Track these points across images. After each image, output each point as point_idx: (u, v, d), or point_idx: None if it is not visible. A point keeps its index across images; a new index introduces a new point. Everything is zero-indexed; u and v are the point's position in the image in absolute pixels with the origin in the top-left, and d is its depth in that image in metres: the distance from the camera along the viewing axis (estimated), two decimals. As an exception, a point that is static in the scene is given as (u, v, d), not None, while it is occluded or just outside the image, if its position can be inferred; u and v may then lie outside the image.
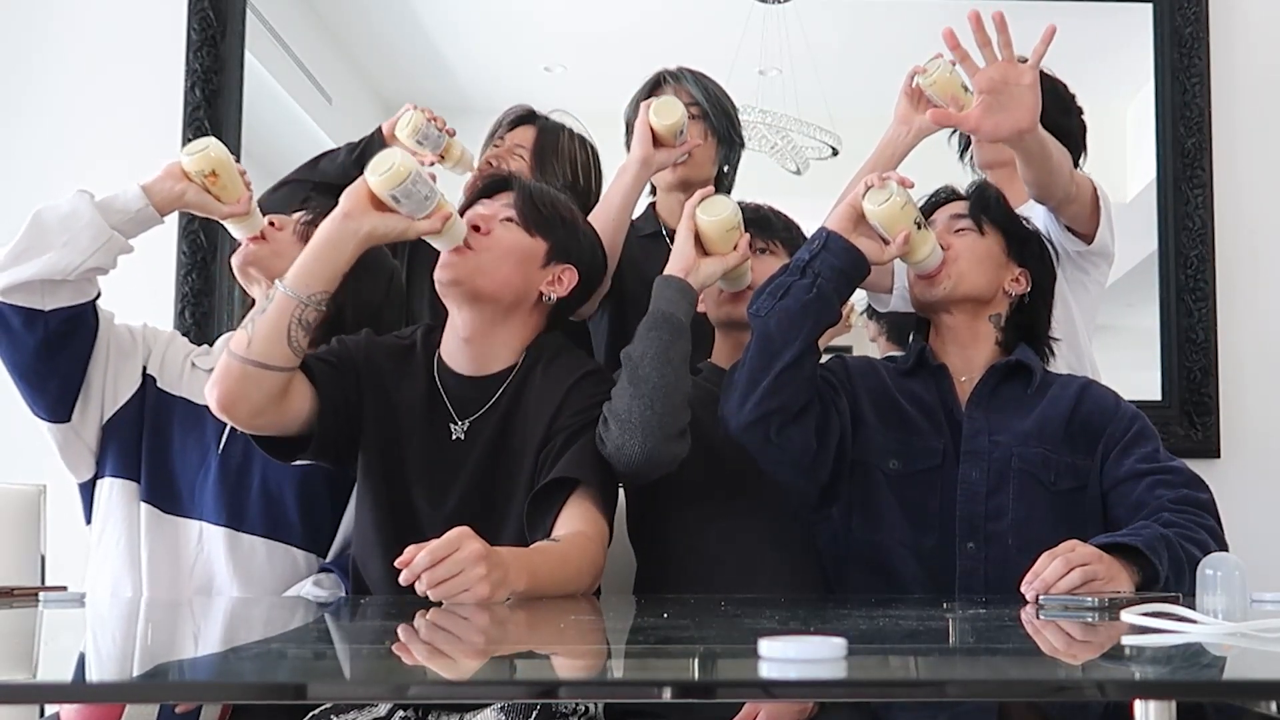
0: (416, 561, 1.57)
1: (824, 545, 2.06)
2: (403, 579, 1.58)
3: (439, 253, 1.95)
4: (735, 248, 2.02)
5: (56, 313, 2.01)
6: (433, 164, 2.44)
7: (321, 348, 2.01)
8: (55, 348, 2.03)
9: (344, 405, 1.95)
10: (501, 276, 1.95)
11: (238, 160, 2.16)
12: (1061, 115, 2.41)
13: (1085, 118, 2.49)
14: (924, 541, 1.96)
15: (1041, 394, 2.03)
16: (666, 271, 2.00)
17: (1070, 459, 1.97)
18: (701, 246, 2.01)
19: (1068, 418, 2.00)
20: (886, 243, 1.95)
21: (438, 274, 1.94)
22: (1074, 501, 1.96)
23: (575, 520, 1.85)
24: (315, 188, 2.42)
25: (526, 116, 2.54)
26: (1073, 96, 2.47)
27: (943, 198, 2.14)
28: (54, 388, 2.06)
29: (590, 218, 2.22)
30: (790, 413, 1.91)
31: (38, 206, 2.00)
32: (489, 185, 2.05)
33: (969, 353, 2.06)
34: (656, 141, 2.23)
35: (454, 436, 1.96)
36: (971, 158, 2.51)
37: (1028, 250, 2.10)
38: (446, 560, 1.57)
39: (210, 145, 2.09)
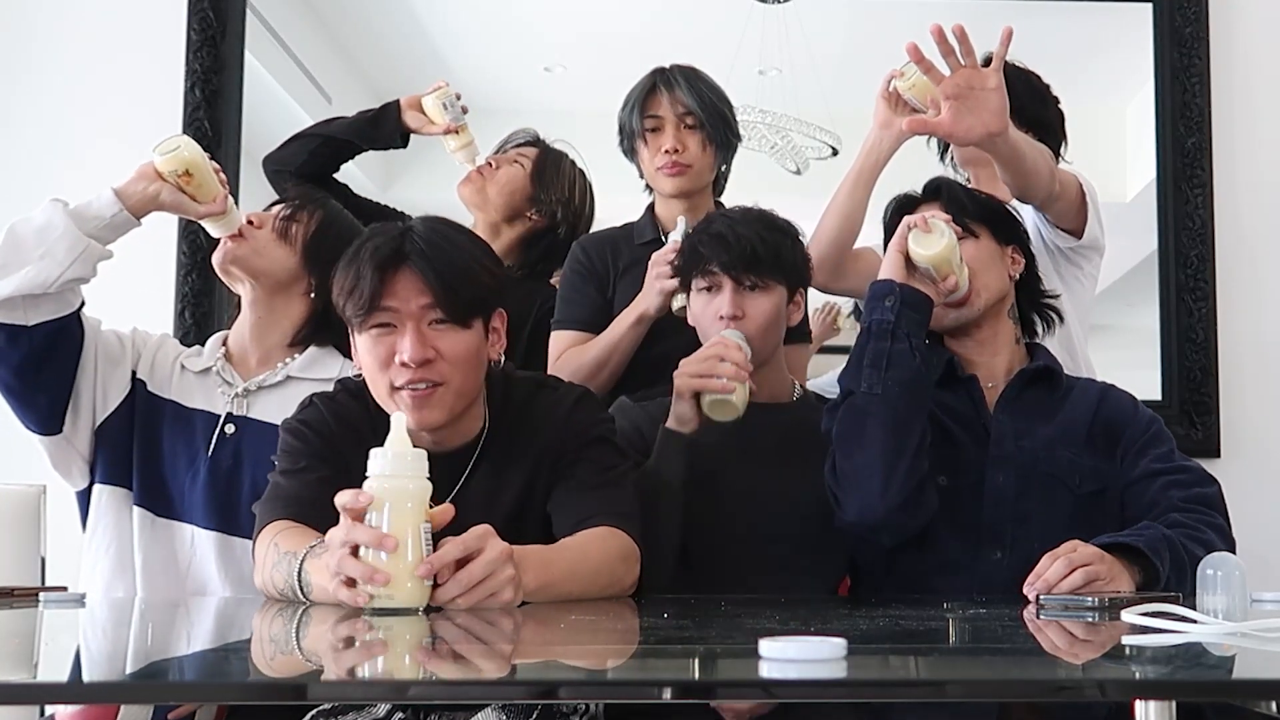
0: (444, 552, 1.48)
1: (868, 569, 2.04)
2: (422, 569, 1.47)
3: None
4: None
5: (40, 327, 1.98)
6: (446, 133, 2.47)
7: (301, 465, 1.80)
8: (41, 362, 2.01)
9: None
10: (470, 390, 1.79)
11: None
12: (1038, 107, 2.41)
13: (1062, 107, 2.47)
14: (969, 555, 1.94)
15: (1064, 398, 2.03)
16: (669, 425, 1.98)
17: (1093, 462, 1.97)
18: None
19: (1090, 421, 1.99)
20: (933, 281, 1.93)
21: (413, 423, 1.70)
22: (1096, 505, 1.95)
23: (599, 529, 1.77)
24: (324, 143, 2.47)
25: (534, 141, 2.59)
26: (1047, 87, 2.46)
27: (909, 206, 2.07)
28: (43, 401, 2.04)
29: (603, 344, 2.23)
30: (923, 484, 1.88)
31: (11, 220, 1.97)
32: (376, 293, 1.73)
33: (994, 360, 2.04)
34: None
35: None
36: (952, 159, 2.51)
37: (1010, 228, 2.09)
38: (479, 562, 1.49)
39: (182, 144, 2.04)
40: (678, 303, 2.18)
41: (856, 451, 1.87)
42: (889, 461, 1.84)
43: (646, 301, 2.22)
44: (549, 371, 2.28)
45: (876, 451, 1.85)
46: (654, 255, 2.23)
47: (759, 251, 2.00)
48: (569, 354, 2.31)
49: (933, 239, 1.90)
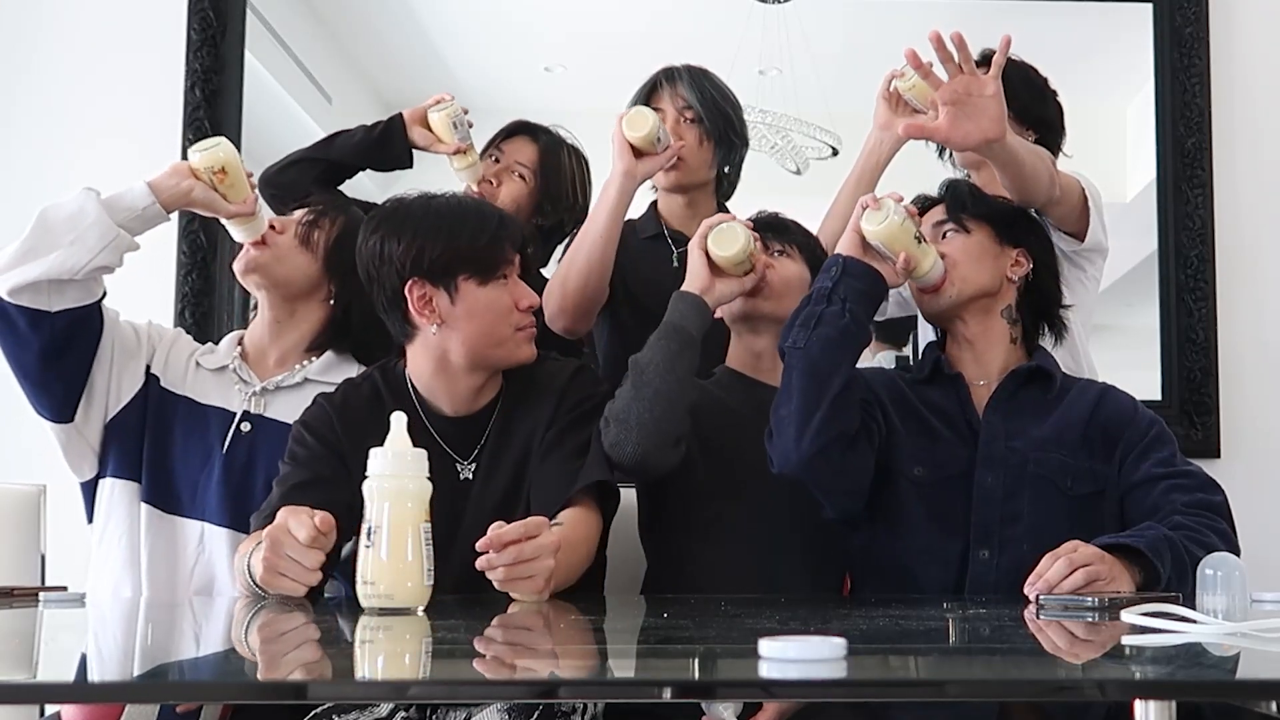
0: (508, 530, 1.56)
1: (853, 556, 2.05)
2: (481, 542, 1.56)
3: None
4: (752, 269, 2.07)
5: (63, 314, 2.00)
6: (454, 153, 2.40)
7: (288, 473, 1.92)
8: (61, 349, 2.02)
9: (350, 504, 1.73)
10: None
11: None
12: (1039, 105, 2.40)
13: (1060, 100, 2.46)
14: (948, 549, 1.95)
15: (1060, 399, 2.02)
16: (683, 288, 2.05)
17: (1089, 464, 1.96)
18: (716, 267, 2.05)
19: (1086, 422, 1.99)
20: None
21: (528, 356, 1.97)
22: (1091, 507, 1.95)
23: (577, 511, 1.87)
24: (327, 168, 2.39)
25: (522, 128, 2.55)
26: (1044, 80, 2.45)
27: (921, 208, 2.11)
28: (59, 388, 2.05)
29: (580, 234, 2.25)
30: (848, 439, 1.90)
31: (43, 205, 1.99)
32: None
33: (986, 357, 2.04)
34: (637, 152, 2.23)
35: (463, 476, 1.94)
36: (951, 156, 2.50)
37: (1018, 230, 2.09)
38: (533, 543, 1.57)
39: (221, 143, 2.09)
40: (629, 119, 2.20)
41: (782, 405, 1.92)
42: (807, 412, 1.87)
43: (611, 170, 2.24)
44: (544, 297, 2.28)
45: (796, 403, 1.89)
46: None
47: (785, 221, 2.20)
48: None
49: (878, 216, 1.94)
